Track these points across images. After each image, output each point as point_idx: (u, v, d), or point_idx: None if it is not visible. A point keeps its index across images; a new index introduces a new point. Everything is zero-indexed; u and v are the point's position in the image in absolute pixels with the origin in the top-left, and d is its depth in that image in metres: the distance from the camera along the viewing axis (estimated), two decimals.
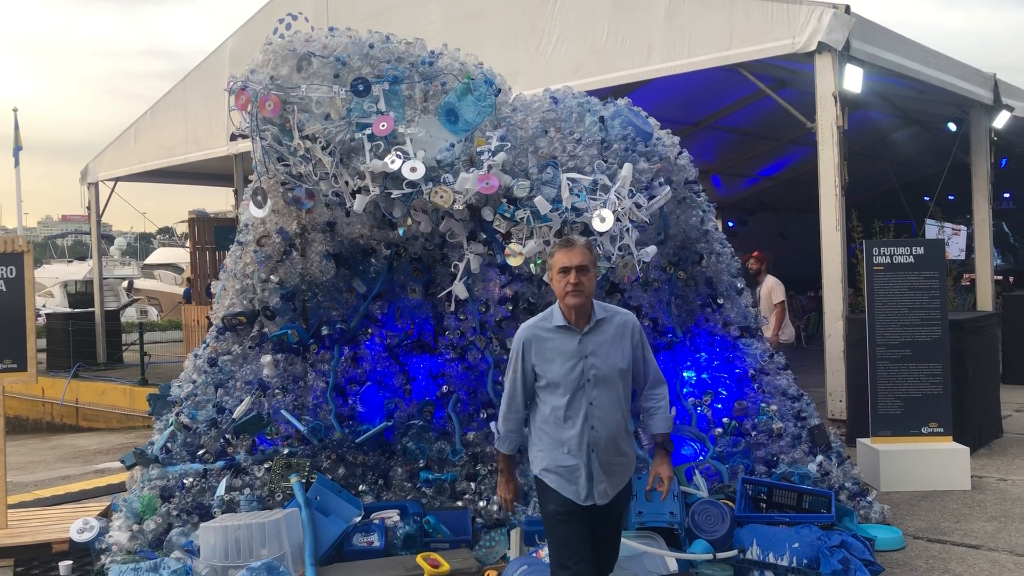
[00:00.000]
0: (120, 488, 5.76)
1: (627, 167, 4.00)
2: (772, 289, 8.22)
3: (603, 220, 3.82)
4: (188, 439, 4.64)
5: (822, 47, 7.56)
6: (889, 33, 8.55)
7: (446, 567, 3.83)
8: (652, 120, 4.59)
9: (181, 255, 35.14)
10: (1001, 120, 10.82)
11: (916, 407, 5.95)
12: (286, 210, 4.60)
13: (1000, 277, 20.36)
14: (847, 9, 7.60)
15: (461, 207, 3.92)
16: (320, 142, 4.09)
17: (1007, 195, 22.14)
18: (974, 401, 7.07)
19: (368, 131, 4.01)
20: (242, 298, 4.83)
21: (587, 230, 3.85)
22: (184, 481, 4.49)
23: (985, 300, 10.73)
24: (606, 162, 4.10)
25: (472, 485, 4.62)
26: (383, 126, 3.98)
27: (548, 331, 3.22)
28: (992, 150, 10.91)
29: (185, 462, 4.58)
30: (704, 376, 5.23)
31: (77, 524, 4.45)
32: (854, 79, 7.73)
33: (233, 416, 4.63)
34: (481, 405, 4.97)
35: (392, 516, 4.30)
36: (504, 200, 3.94)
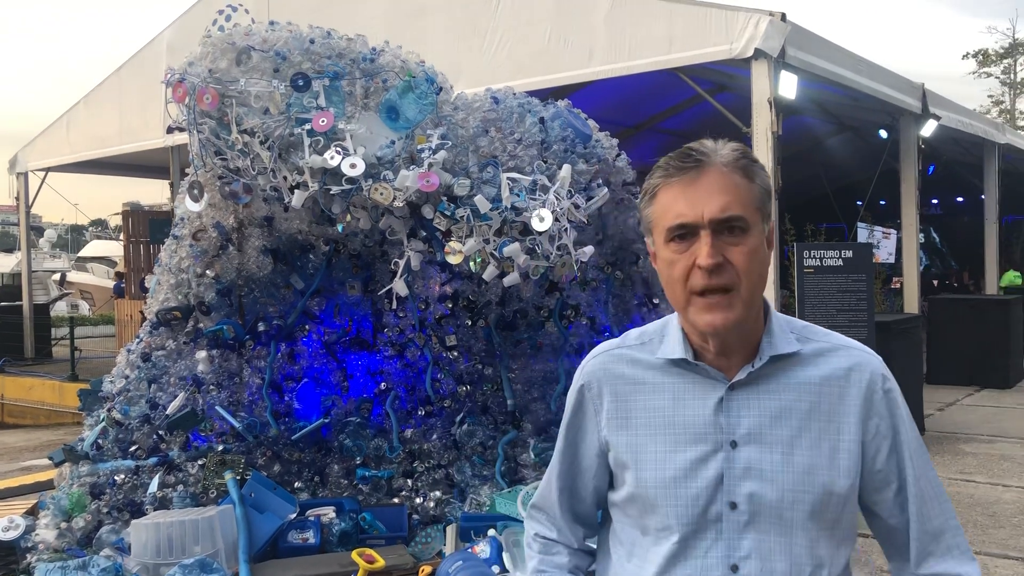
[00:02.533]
0: (48, 486, 5.64)
1: (566, 168, 4.05)
2: None
3: (542, 220, 3.86)
4: (120, 435, 4.56)
5: (758, 54, 7.73)
6: (823, 41, 8.78)
7: (381, 563, 3.84)
8: (591, 122, 4.65)
9: (115, 248, 34.37)
10: (929, 128, 11.16)
11: None
12: (223, 204, 4.55)
13: (936, 282, 20.97)
14: (783, 17, 7.78)
15: (401, 204, 3.93)
16: (259, 137, 4.06)
17: (935, 201, 22.82)
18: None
19: (308, 127, 4.00)
20: (177, 293, 4.77)
21: (526, 229, 3.89)
22: (115, 478, 4.42)
23: (912, 303, 11.07)
24: (546, 163, 4.15)
25: (409, 482, 4.63)
26: (323, 122, 3.97)
27: (645, 369, 1.67)
28: (920, 157, 11.26)
29: (116, 459, 4.51)
30: None
31: (2, 522, 4.34)
32: (789, 86, 7.91)
33: (167, 412, 4.57)
34: (419, 402, 4.98)
35: (328, 513, 4.29)
36: (444, 198, 3.96)
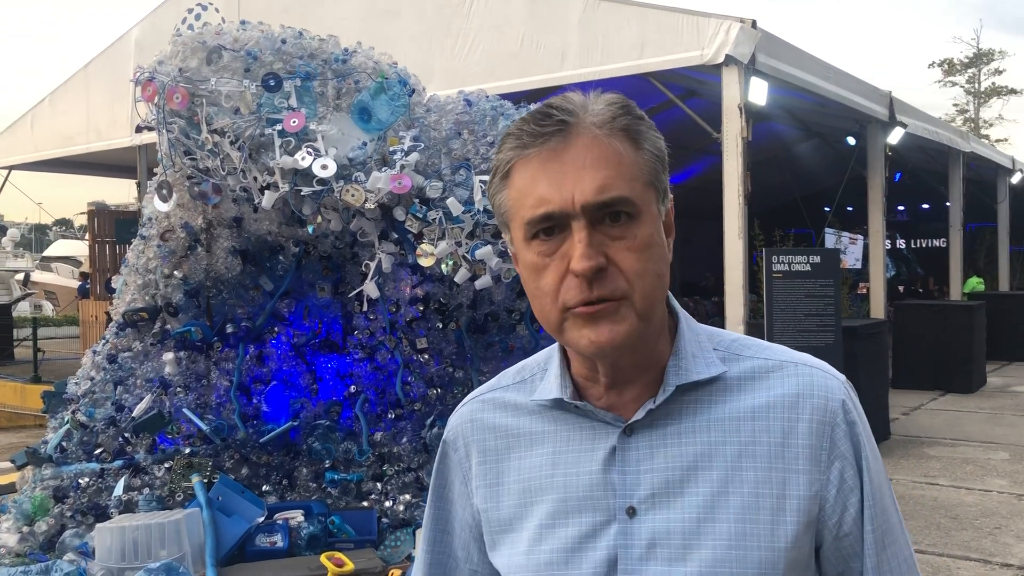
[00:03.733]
0: (10, 489, 5.55)
1: None
2: None
3: None
4: (85, 438, 4.50)
5: (729, 60, 7.79)
6: (793, 49, 8.87)
7: (350, 566, 3.82)
8: None
9: (80, 248, 33.92)
10: (895, 136, 11.32)
11: None
12: (192, 205, 4.51)
13: (902, 287, 21.25)
14: (754, 24, 7.85)
15: (372, 206, 3.92)
16: (229, 137, 4.03)
17: (901, 208, 23.13)
18: (863, 404, 7.38)
19: (279, 127, 3.97)
20: (144, 294, 4.71)
21: (498, 232, 3.89)
22: (79, 481, 4.36)
23: (878, 308, 11.20)
24: None
25: (378, 485, 4.61)
26: (294, 122, 3.94)
27: (521, 416, 1.31)
28: (887, 164, 11.41)
29: (81, 461, 4.45)
30: None
31: None
32: (759, 92, 7.99)
33: (133, 414, 4.52)
34: (389, 405, 4.96)
35: (296, 516, 4.26)
36: (416, 200, 3.95)
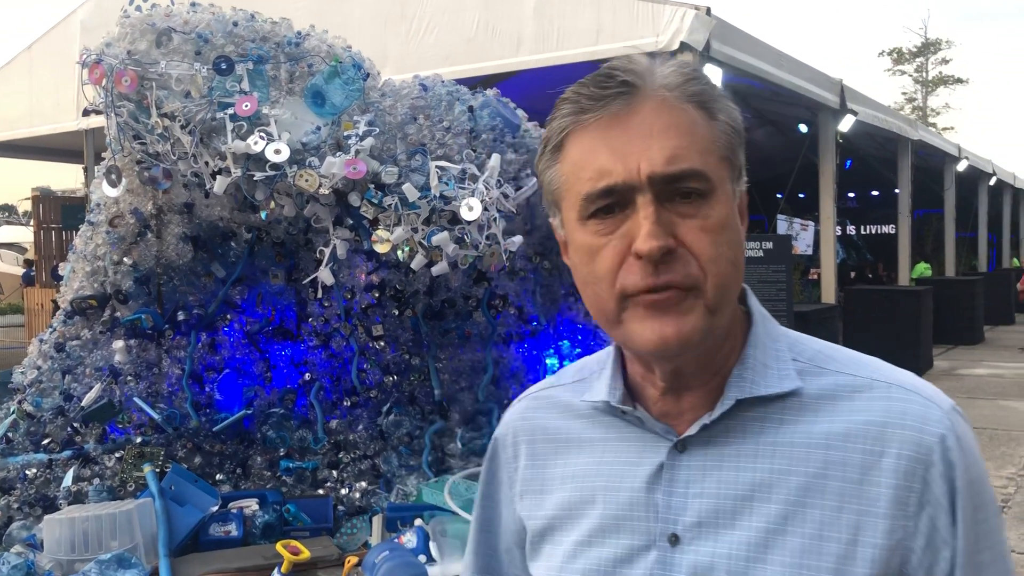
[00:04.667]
0: None
1: (495, 157, 4.05)
2: None
3: (471, 209, 3.85)
4: (32, 428, 4.41)
5: (684, 47, 7.83)
6: (747, 36, 8.94)
7: (306, 554, 3.80)
8: (520, 112, 4.65)
9: (25, 234, 33.13)
10: (846, 124, 11.47)
11: None
12: (141, 190, 4.43)
13: (853, 273, 21.61)
14: (708, 11, 7.89)
15: (327, 191, 3.87)
16: (179, 121, 3.95)
17: (851, 195, 23.50)
18: None
19: (230, 111, 3.91)
20: (92, 281, 4.62)
21: (455, 218, 3.88)
22: (26, 472, 4.27)
23: (829, 293, 11.37)
24: (475, 151, 4.14)
25: (334, 473, 4.58)
26: (246, 106, 3.88)
27: (573, 418, 1.20)
28: (838, 152, 11.56)
29: (28, 452, 4.36)
30: (566, 363, 5.35)
31: None
32: (713, 79, 8.04)
33: (82, 404, 4.44)
34: (344, 393, 4.93)
35: (251, 505, 4.22)
36: (372, 186, 3.91)
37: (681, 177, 0.99)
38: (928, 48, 45.69)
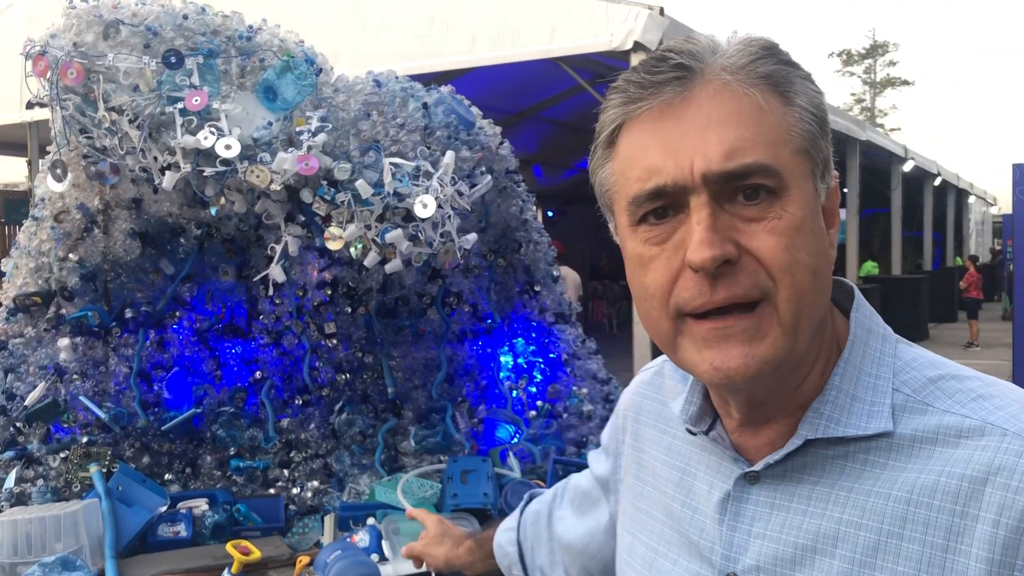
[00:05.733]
0: None
1: (450, 154, 4.04)
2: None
3: (425, 206, 3.84)
4: None
5: (637, 46, 7.90)
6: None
7: (257, 554, 3.76)
8: (475, 109, 4.64)
9: None
10: None
11: None
12: (88, 185, 4.34)
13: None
14: (661, 11, 7.97)
15: (278, 188, 3.83)
16: (127, 115, 3.88)
17: None
18: None
19: (180, 105, 3.84)
20: (37, 277, 4.52)
21: (409, 215, 3.86)
22: None
23: None
24: (429, 148, 4.12)
25: (285, 472, 4.54)
26: (196, 101, 3.82)
27: (666, 424, 1.15)
28: None
29: None
30: (520, 361, 5.36)
31: None
32: None
33: (25, 403, 4.34)
34: (296, 391, 4.88)
35: (200, 505, 4.17)
36: (324, 182, 3.88)
37: (743, 174, 0.86)
38: (876, 50, 46.58)
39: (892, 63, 46.43)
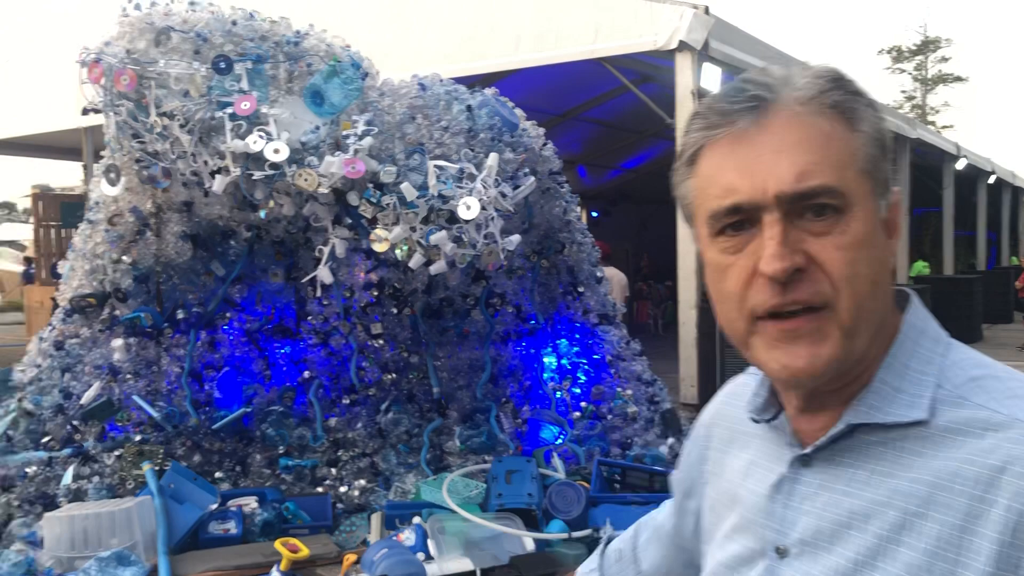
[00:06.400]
0: None
1: (493, 156, 4.06)
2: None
3: (469, 208, 3.87)
4: (31, 426, 4.42)
5: (682, 46, 7.84)
6: (745, 35, 8.95)
7: (305, 552, 3.81)
8: (518, 111, 4.66)
9: (25, 232, 33.12)
10: None
11: None
12: (141, 188, 4.44)
13: None
14: (707, 10, 7.90)
15: (326, 191, 3.89)
16: (178, 120, 3.97)
17: None
18: None
19: (229, 110, 3.92)
20: (92, 279, 4.63)
21: (453, 217, 3.89)
22: (27, 470, 4.28)
23: None
24: (473, 151, 4.15)
25: (333, 471, 4.60)
26: (245, 105, 3.89)
27: (741, 424, 1.22)
28: None
29: (28, 450, 4.37)
30: (564, 362, 5.37)
31: None
32: (712, 78, 8.05)
33: (81, 402, 4.45)
34: (343, 391, 4.95)
35: (250, 503, 4.24)
36: (370, 185, 3.93)
37: (812, 194, 0.96)
38: (927, 46, 45.68)
39: (944, 59, 45.52)
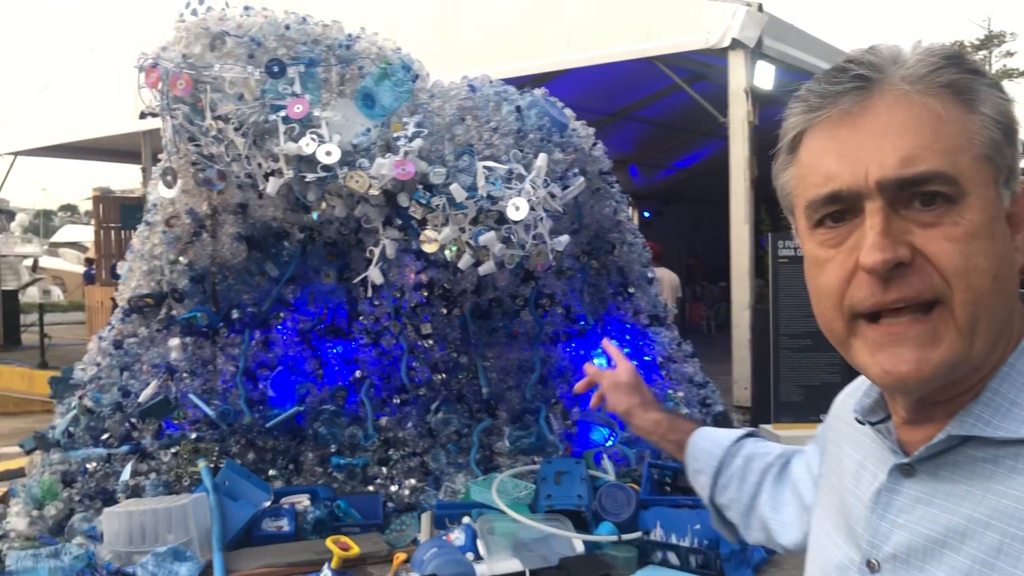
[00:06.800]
0: (19, 474, 5.58)
1: (542, 157, 4.05)
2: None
3: (518, 209, 3.86)
4: (92, 423, 4.53)
5: (735, 44, 7.74)
6: (799, 32, 8.82)
7: (356, 550, 3.85)
8: (568, 111, 4.65)
9: (87, 234, 33.99)
10: None
11: (816, 394, 6.19)
12: (197, 191, 4.52)
13: None
14: (760, 7, 7.80)
15: (376, 192, 3.92)
16: (233, 123, 4.03)
17: None
18: None
19: (283, 113, 3.97)
20: (149, 279, 4.73)
21: (502, 218, 3.89)
22: (87, 466, 4.39)
23: None
24: (522, 151, 4.15)
25: (384, 470, 4.64)
26: (298, 108, 3.94)
27: (851, 424, 1.14)
28: None
29: (88, 446, 4.48)
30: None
31: None
32: (766, 76, 7.94)
33: (139, 400, 4.54)
34: (394, 390, 4.98)
35: (302, 501, 4.29)
36: (420, 186, 3.94)
37: (919, 181, 0.87)
38: (991, 41, 44.60)
39: (1009, 54, 44.39)
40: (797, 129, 0.97)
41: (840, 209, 0.91)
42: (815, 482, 1.27)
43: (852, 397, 1.15)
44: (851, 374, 1.16)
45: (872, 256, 0.86)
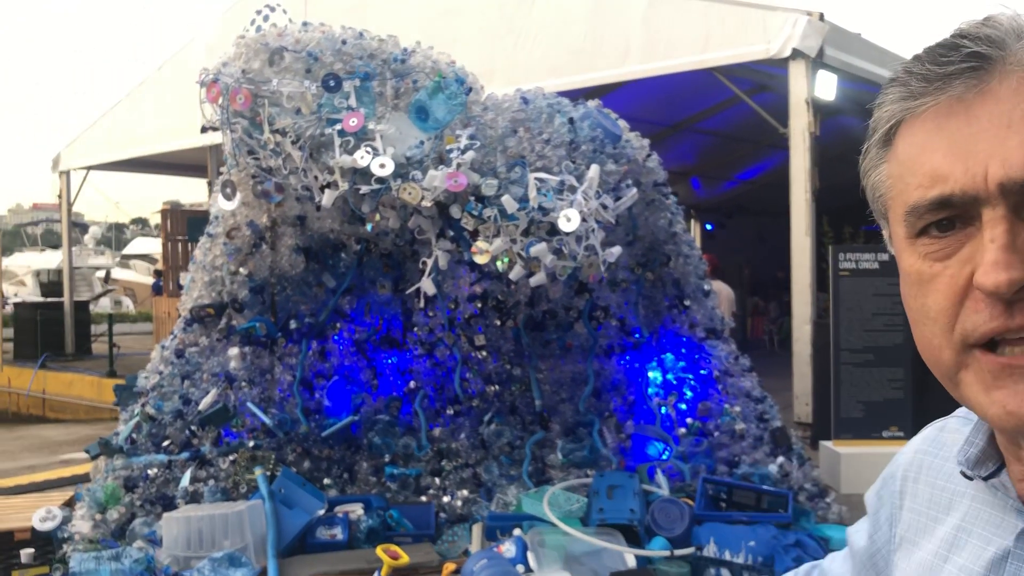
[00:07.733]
0: (84, 478, 5.76)
1: (594, 168, 4.04)
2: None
3: (569, 220, 3.86)
4: (153, 430, 4.63)
5: (796, 54, 7.66)
6: (862, 41, 8.68)
7: (405, 559, 3.86)
8: (622, 122, 4.63)
9: (157, 246, 34.94)
10: None
11: (878, 411, 6.05)
12: (256, 203, 4.61)
13: None
14: (821, 17, 7.70)
15: (429, 204, 3.95)
16: (290, 136, 4.10)
17: None
18: (936, 405, 7.17)
19: (338, 127, 4.03)
20: (211, 290, 4.83)
21: (553, 229, 3.89)
22: (148, 472, 4.49)
23: None
24: (574, 163, 4.14)
25: (437, 480, 4.65)
26: (353, 122, 3.99)
27: (946, 480, 0.95)
28: None
29: (150, 453, 4.58)
30: (669, 377, 5.28)
31: (39, 513, 4.43)
32: (827, 86, 7.83)
33: (199, 408, 4.64)
34: (448, 401, 5.00)
35: (356, 510, 4.32)
36: (472, 198, 3.96)
37: None
38: None
39: None
40: (894, 119, 0.81)
41: (950, 216, 0.76)
42: (871, 558, 1.08)
43: (932, 455, 1.00)
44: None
45: (994, 276, 0.71)
